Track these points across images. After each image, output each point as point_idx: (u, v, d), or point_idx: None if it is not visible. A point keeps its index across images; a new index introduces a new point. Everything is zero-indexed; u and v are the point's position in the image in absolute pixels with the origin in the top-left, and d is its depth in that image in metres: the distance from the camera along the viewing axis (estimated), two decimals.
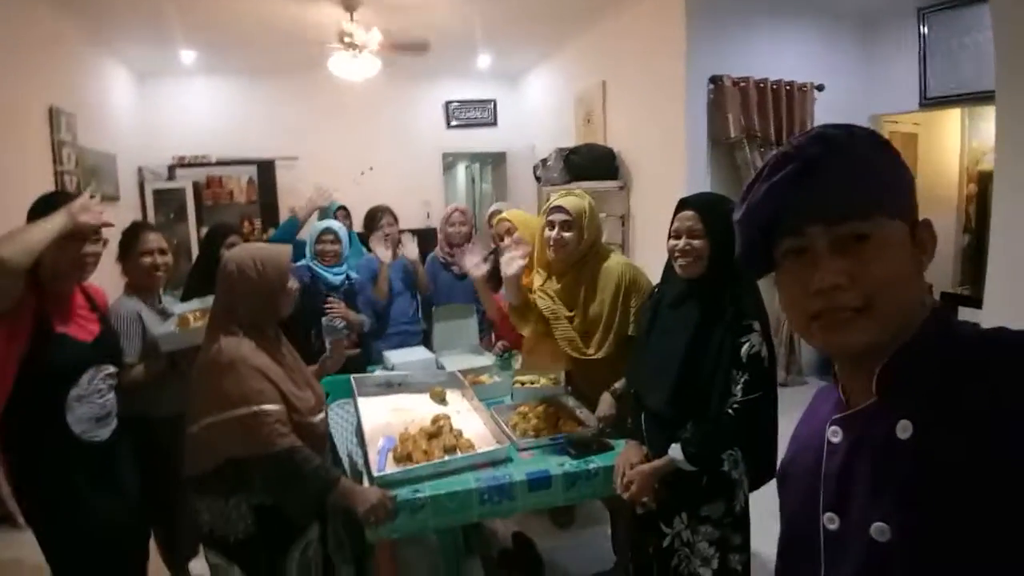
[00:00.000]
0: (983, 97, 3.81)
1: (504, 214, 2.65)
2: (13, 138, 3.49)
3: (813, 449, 0.74)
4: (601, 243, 2.21)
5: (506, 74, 6.96)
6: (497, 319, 2.66)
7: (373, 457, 1.86)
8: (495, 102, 7.10)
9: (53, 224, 1.58)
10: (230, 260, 1.71)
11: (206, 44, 5.17)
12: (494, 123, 7.13)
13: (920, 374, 0.65)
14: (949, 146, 5.41)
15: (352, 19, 4.20)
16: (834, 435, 0.72)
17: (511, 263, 2.13)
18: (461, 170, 9.39)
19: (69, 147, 4.05)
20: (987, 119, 4.79)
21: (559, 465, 1.84)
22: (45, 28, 3.94)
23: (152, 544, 2.12)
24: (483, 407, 2.18)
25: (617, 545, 2.44)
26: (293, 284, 1.78)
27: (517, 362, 2.72)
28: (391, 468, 1.80)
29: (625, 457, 1.76)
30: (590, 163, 4.78)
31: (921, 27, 4.33)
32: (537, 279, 2.31)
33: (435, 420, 2.04)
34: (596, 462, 1.86)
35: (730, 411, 1.57)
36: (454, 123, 6.98)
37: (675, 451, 1.60)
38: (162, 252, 2.19)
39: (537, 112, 6.73)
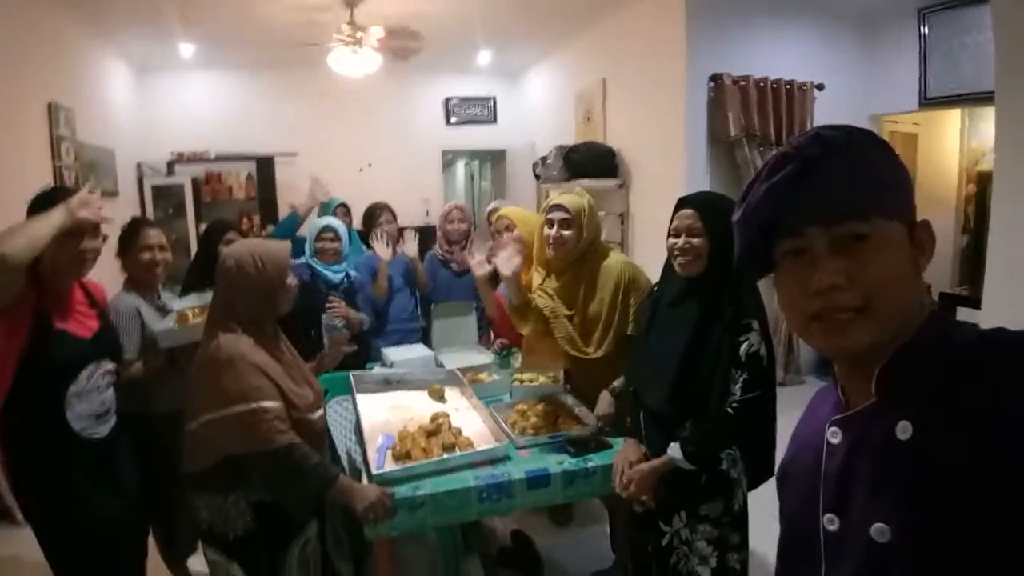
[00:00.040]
0: (983, 97, 3.81)
1: (503, 211, 2.65)
2: (12, 133, 3.48)
3: (813, 450, 0.75)
4: (600, 241, 2.22)
5: (506, 71, 6.95)
6: (497, 317, 2.66)
7: (372, 455, 1.86)
8: (495, 99, 7.09)
9: (52, 220, 1.58)
10: (229, 256, 1.70)
11: (205, 38, 5.15)
12: (494, 120, 7.12)
13: (919, 375, 0.65)
14: (948, 146, 5.42)
15: (352, 15, 4.19)
16: (834, 436, 0.72)
17: (507, 263, 2.13)
18: (460, 167, 9.38)
19: (68, 142, 4.04)
20: (987, 120, 4.80)
21: (558, 463, 1.84)
22: (44, 23, 3.92)
23: (151, 541, 2.12)
24: (482, 405, 2.18)
25: (616, 543, 2.45)
26: (292, 281, 1.78)
27: (516, 360, 2.72)
28: (390, 466, 1.80)
29: (624, 456, 1.76)
30: (590, 161, 4.78)
31: (921, 27, 4.33)
32: (536, 278, 2.31)
33: (434, 418, 2.04)
34: (595, 460, 1.86)
35: (729, 410, 1.57)
36: (454, 120, 6.97)
37: (674, 450, 1.60)
38: (162, 248, 2.18)
39: (537, 110, 6.72)
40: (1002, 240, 2.32)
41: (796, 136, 0.72)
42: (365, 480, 1.75)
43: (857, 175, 0.66)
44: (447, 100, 6.92)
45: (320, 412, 1.83)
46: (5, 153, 3.35)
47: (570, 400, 2.20)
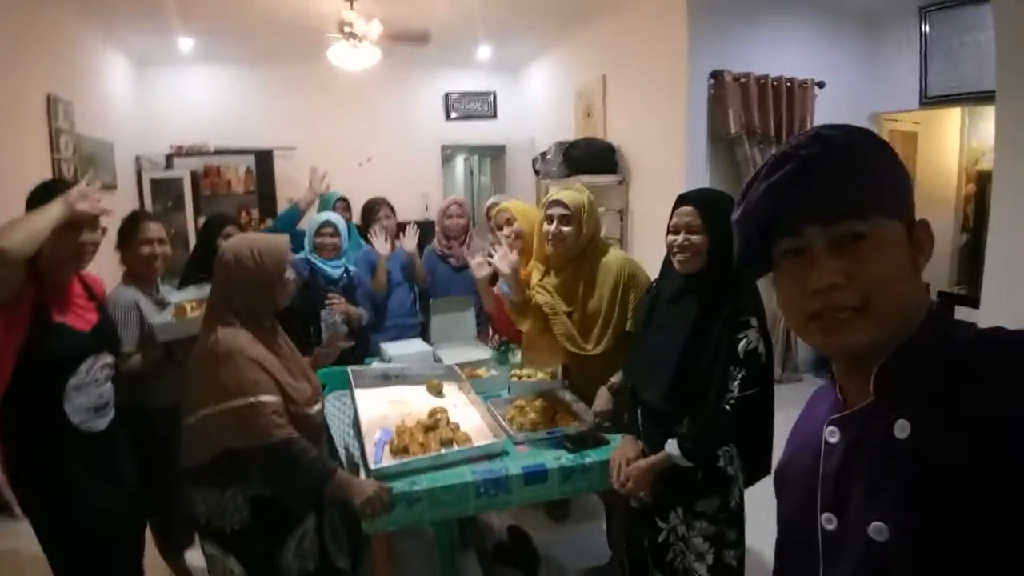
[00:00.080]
0: (983, 97, 3.81)
1: (504, 204, 2.64)
2: (11, 126, 3.47)
3: (811, 450, 0.75)
4: (600, 238, 2.22)
5: (506, 66, 6.93)
6: (495, 313, 2.66)
7: (370, 449, 1.86)
8: (495, 94, 7.07)
9: (51, 213, 1.57)
10: (227, 250, 1.70)
11: (205, 32, 5.13)
12: (494, 115, 7.10)
13: (918, 374, 0.65)
14: (948, 145, 5.41)
15: (352, 8, 4.18)
16: (831, 435, 0.72)
17: (504, 260, 2.14)
18: (460, 162, 9.36)
19: (67, 135, 4.04)
20: (987, 119, 4.79)
21: (555, 459, 1.85)
22: (44, 16, 3.91)
23: (148, 534, 2.13)
24: (480, 400, 2.19)
25: (612, 539, 2.45)
26: (290, 275, 1.78)
27: (514, 356, 2.72)
28: (388, 460, 1.80)
29: (621, 452, 1.76)
30: (589, 157, 4.77)
31: (922, 26, 4.32)
32: (535, 274, 2.31)
33: (432, 413, 2.04)
34: (592, 456, 1.86)
35: (727, 407, 1.57)
36: (453, 115, 6.95)
37: (672, 447, 1.60)
38: (161, 242, 2.18)
39: (537, 105, 6.71)
40: (1001, 239, 2.33)
41: (796, 135, 0.72)
42: (363, 474, 1.75)
43: (856, 174, 0.66)
44: (447, 95, 6.91)
45: (318, 406, 1.84)
46: (4, 146, 3.34)
47: (568, 396, 2.20)
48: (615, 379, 2.03)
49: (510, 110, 7.09)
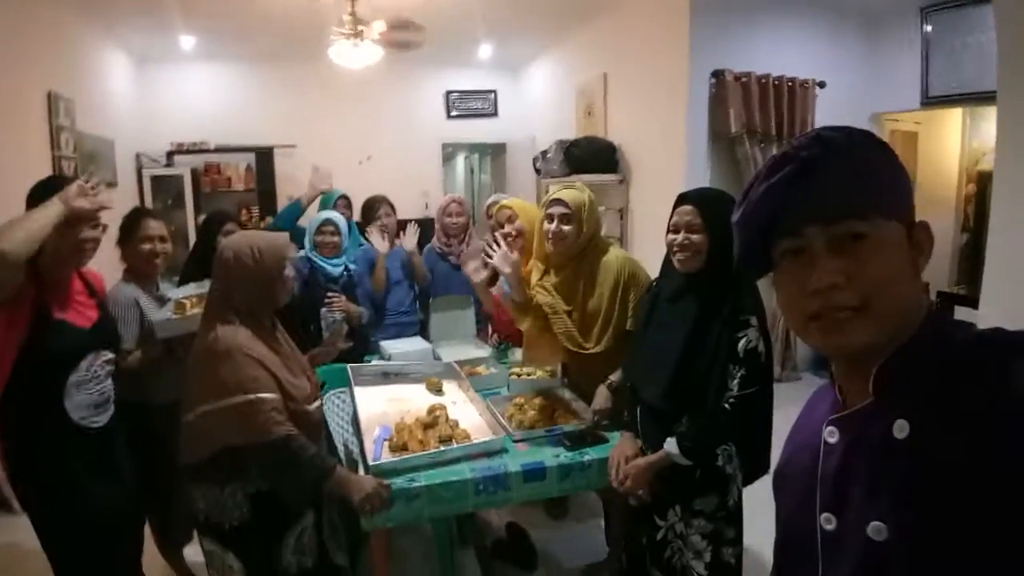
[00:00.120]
0: (984, 97, 3.80)
1: (505, 202, 2.64)
2: (11, 123, 3.47)
3: (810, 450, 0.75)
4: (600, 237, 2.22)
5: (507, 65, 6.93)
6: (494, 314, 2.66)
7: (369, 446, 1.86)
8: (496, 93, 7.07)
9: (50, 212, 1.57)
10: (227, 247, 1.70)
11: (206, 30, 5.13)
12: (494, 114, 7.10)
13: (917, 374, 0.65)
14: (949, 146, 5.41)
15: (353, 7, 4.17)
16: (831, 435, 0.72)
17: (504, 260, 2.14)
18: (460, 161, 9.35)
19: (67, 132, 4.04)
20: (988, 119, 4.79)
21: (554, 456, 1.85)
22: (44, 13, 3.91)
23: (147, 530, 2.13)
24: (479, 398, 2.19)
25: (610, 536, 2.45)
26: (290, 272, 1.78)
27: (513, 354, 2.72)
28: (387, 457, 1.81)
29: (620, 450, 1.76)
30: (590, 156, 4.77)
31: (924, 26, 4.32)
32: (535, 273, 2.31)
33: (431, 410, 2.04)
34: (590, 454, 1.87)
35: (726, 406, 1.58)
36: (454, 113, 6.96)
37: (671, 445, 1.61)
38: (162, 240, 2.18)
39: (538, 104, 6.71)
40: (1001, 240, 2.33)
41: (796, 137, 0.72)
42: (362, 471, 1.76)
43: (856, 176, 0.66)
44: (448, 93, 6.90)
45: (317, 403, 1.84)
46: (4, 143, 3.34)
47: (567, 394, 2.21)
48: (614, 377, 2.03)
49: (511, 108, 7.09)
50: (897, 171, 0.69)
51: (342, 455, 1.99)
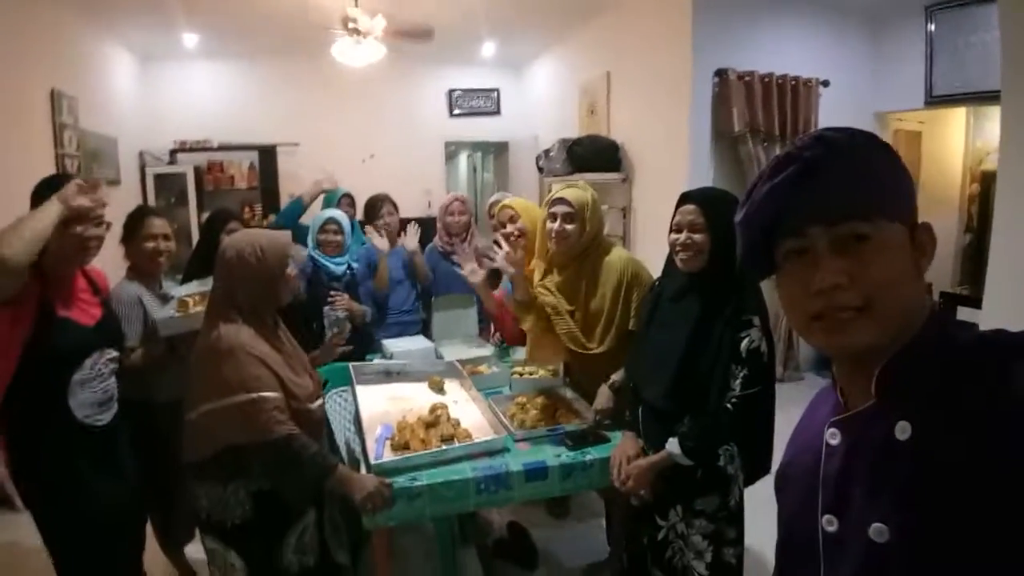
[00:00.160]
0: (988, 97, 3.79)
1: (507, 202, 2.64)
2: (15, 121, 3.48)
3: (811, 451, 0.75)
4: (603, 236, 2.21)
5: (510, 63, 6.93)
6: (496, 314, 2.66)
7: (371, 445, 1.86)
8: (499, 91, 7.07)
9: (49, 213, 1.56)
10: (229, 246, 1.70)
11: (209, 28, 5.14)
12: (497, 112, 7.10)
13: (919, 376, 0.65)
14: (953, 145, 5.40)
15: (356, 4, 4.18)
16: (832, 437, 0.72)
17: (508, 262, 2.14)
18: (463, 159, 9.36)
19: (71, 130, 4.05)
20: (992, 119, 4.78)
21: (555, 456, 1.85)
22: (47, 11, 3.92)
23: (148, 529, 2.14)
24: (481, 397, 2.19)
25: (612, 536, 2.46)
26: (292, 271, 1.78)
27: (515, 353, 2.72)
28: (388, 456, 1.81)
29: (622, 450, 1.76)
30: (593, 155, 4.76)
31: (928, 25, 4.31)
32: (537, 273, 2.30)
33: (433, 409, 2.04)
34: (592, 454, 1.87)
35: (728, 406, 1.57)
36: (457, 111, 6.96)
37: (672, 445, 1.61)
38: (166, 238, 2.19)
39: (540, 102, 6.71)
40: (1004, 240, 2.32)
41: (799, 138, 0.72)
42: (364, 470, 1.76)
43: (859, 177, 0.66)
44: (450, 91, 6.91)
45: (319, 402, 1.84)
46: (8, 141, 3.35)
47: (569, 394, 2.21)
48: (616, 377, 2.03)
49: (514, 107, 7.08)
50: (900, 172, 0.69)
51: (344, 454, 1.99)
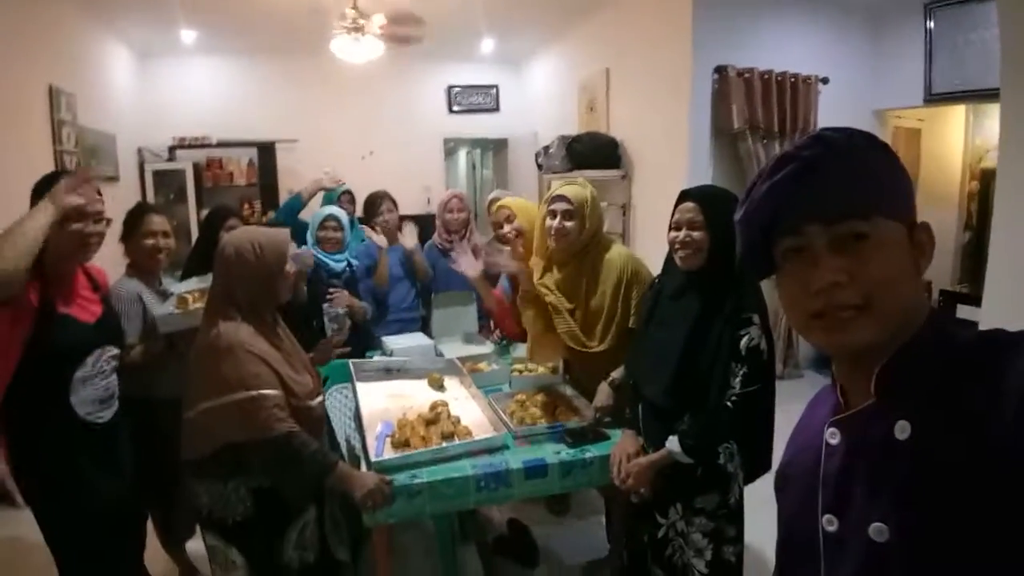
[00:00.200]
0: (988, 94, 3.79)
1: (503, 202, 2.64)
2: (13, 118, 3.47)
3: (811, 451, 0.75)
4: (603, 234, 2.21)
5: (509, 59, 6.91)
6: (495, 312, 2.66)
7: (371, 442, 1.87)
8: (498, 88, 7.06)
9: (41, 218, 1.53)
10: (228, 243, 1.70)
11: (207, 24, 5.12)
12: (496, 109, 7.09)
13: (919, 375, 0.66)
14: (952, 143, 5.40)
15: (355, 1, 4.16)
16: (832, 437, 0.72)
17: (512, 263, 2.15)
18: (462, 156, 9.35)
19: (69, 127, 4.04)
20: (991, 116, 4.78)
21: (555, 453, 1.85)
22: (46, 7, 3.90)
23: (149, 525, 2.14)
24: (481, 394, 2.19)
25: (612, 534, 2.46)
26: (291, 268, 1.78)
27: (515, 350, 2.72)
28: (389, 453, 1.81)
29: (622, 448, 1.77)
30: (592, 151, 4.76)
31: (927, 22, 4.30)
32: (535, 272, 2.30)
33: (433, 407, 2.05)
34: (592, 451, 1.87)
35: (728, 403, 1.58)
36: (456, 108, 6.94)
37: (672, 443, 1.61)
38: (165, 235, 2.18)
39: (540, 99, 6.70)
40: (1004, 238, 2.32)
41: (798, 138, 0.73)
42: (364, 467, 1.76)
43: (858, 176, 0.67)
44: (450, 88, 6.89)
45: (319, 399, 1.84)
46: (6, 138, 3.34)
47: (569, 391, 2.21)
48: (616, 374, 2.03)
49: (513, 104, 7.07)
50: (898, 172, 0.70)
51: (344, 451, 1.99)
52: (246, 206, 5.92)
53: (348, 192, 3.72)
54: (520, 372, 2.37)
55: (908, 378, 0.66)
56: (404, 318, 3.18)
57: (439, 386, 2.36)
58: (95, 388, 1.75)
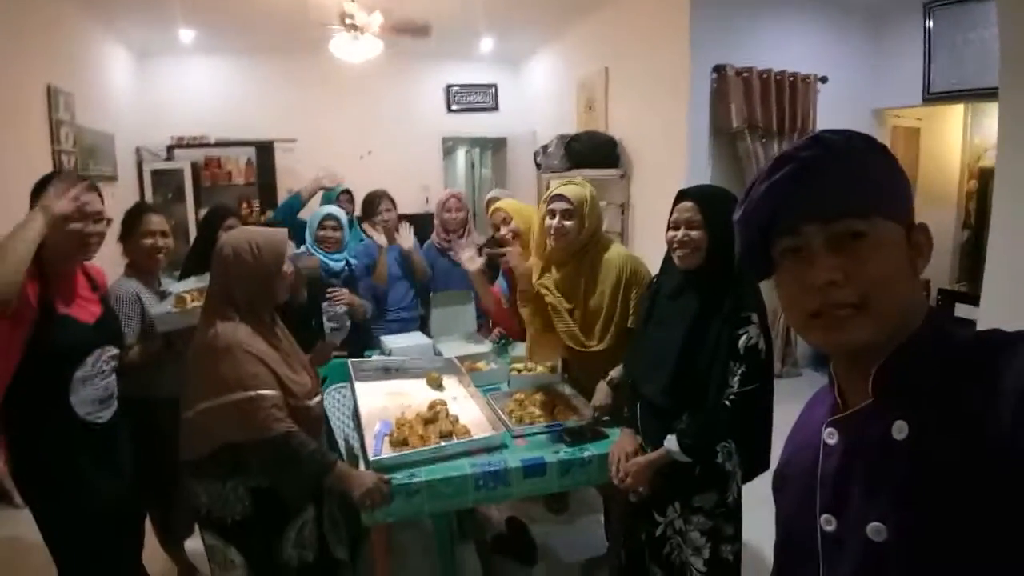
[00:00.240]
0: (986, 93, 3.80)
1: (499, 204, 2.65)
2: (11, 117, 3.47)
3: (809, 451, 0.75)
4: (602, 233, 2.21)
5: (508, 58, 6.91)
6: (492, 310, 2.66)
7: (369, 441, 1.87)
8: (496, 87, 7.06)
9: (32, 230, 1.52)
10: (226, 244, 1.70)
11: (206, 23, 5.12)
12: (495, 108, 7.09)
13: (916, 375, 0.66)
14: (951, 142, 5.40)
15: (354, 0, 4.16)
16: (830, 437, 0.72)
17: (518, 260, 2.16)
18: (461, 155, 9.34)
19: (67, 126, 4.03)
20: (990, 116, 4.78)
21: (554, 452, 1.85)
22: (44, 6, 3.90)
23: (148, 525, 2.14)
24: (479, 393, 2.19)
25: (610, 532, 2.46)
26: (288, 268, 1.77)
27: (514, 349, 2.72)
28: (387, 452, 1.81)
29: (620, 447, 1.77)
30: (591, 150, 4.75)
31: (926, 21, 4.31)
32: (534, 272, 2.30)
33: (432, 406, 2.04)
34: (590, 450, 1.87)
35: (726, 402, 1.58)
36: (455, 107, 6.94)
37: (671, 443, 1.61)
38: (164, 235, 2.18)
39: (538, 98, 6.69)
40: (1002, 237, 2.32)
41: (797, 138, 0.73)
42: (362, 466, 1.76)
43: (856, 177, 0.67)
44: (448, 87, 6.89)
45: (317, 399, 1.84)
46: (4, 137, 3.33)
47: (567, 390, 2.21)
48: (615, 373, 2.03)
49: (512, 103, 7.07)
50: (897, 174, 0.70)
51: (343, 450, 1.99)
52: (244, 205, 5.92)
53: (347, 191, 3.72)
54: (519, 371, 2.37)
55: (906, 378, 0.66)
56: (403, 317, 3.18)
57: (438, 385, 2.37)
58: (95, 388, 1.75)
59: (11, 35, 3.48)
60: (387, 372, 2.47)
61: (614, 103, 5.07)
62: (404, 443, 1.84)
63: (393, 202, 3.42)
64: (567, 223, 2.07)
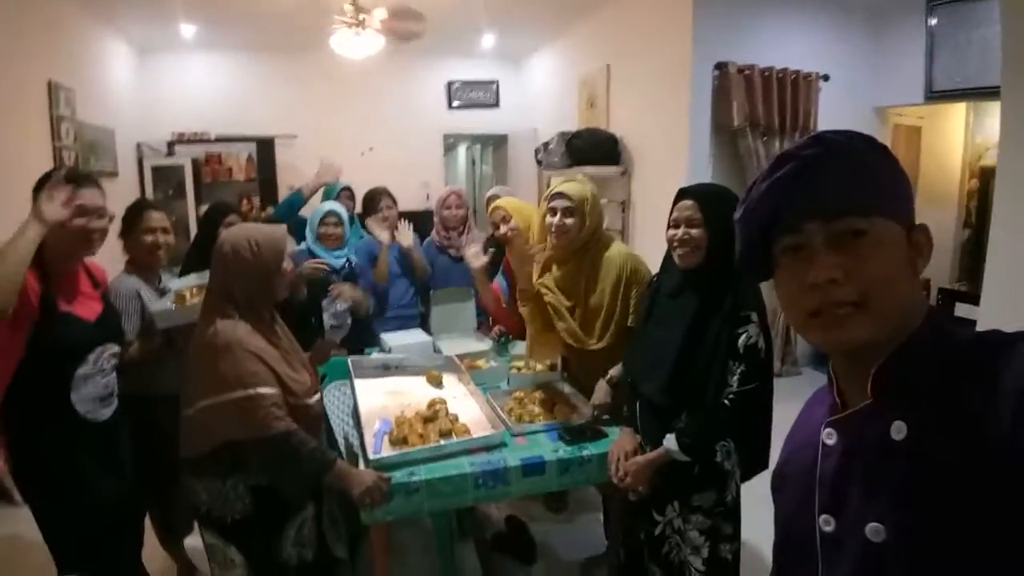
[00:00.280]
0: (988, 92, 3.79)
1: (498, 202, 2.64)
2: (12, 113, 3.46)
3: (808, 452, 0.75)
4: (603, 231, 2.20)
5: (509, 55, 6.90)
6: (493, 308, 2.66)
7: (369, 440, 1.87)
8: (498, 83, 7.04)
9: (27, 239, 1.52)
10: (225, 241, 1.69)
11: (207, 19, 5.10)
12: (496, 105, 7.07)
13: (915, 375, 0.66)
14: (952, 140, 5.39)
15: None
16: (829, 437, 0.72)
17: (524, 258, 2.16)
18: (462, 152, 9.34)
19: (68, 122, 4.03)
20: (991, 114, 4.78)
21: (553, 451, 1.86)
22: (45, 2, 3.89)
23: (147, 523, 2.14)
24: (479, 392, 2.19)
25: (609, 531, 2.46)
26: (288, 266, 1.77)
27: (514, 347, 2.72)
28: (387, 451, 1.81)
29: (620, 445, 1.77)
30: (592, 148, 4.75)
31: (929, 20, 4.29)
32: (535, 271, 2.30)
33: (431, 404, 2.05)
34: (590, 449, 1.87)
35: (725, 402, 1.58)
36: (456, 104, 6.93)
37: (670, 442, 1.61)
38: (164, 231, 2.18)
39: (540, 95, 6.68)
40: (1003, 236, 2.31)
41: (799, 136, 0.73)
42: (362, 465, 1.76)
43: (856, 176, 0.67)
44: (449, 83, 6.88)
45: (317, 397, 1.84)
46: (4, 133, 3.33)
47: (567, 389, 2.21)
48: (614, 372, 2.03)
49: (513, 99, 7.06)
50: (898, 175, 0.70)
51: (342, 448, 1.99)
52: (245, 202, 5.91)
53: (348, 188, 3.70)
54: (518, 369, 2.37)
55: (905, 378, 0.66)
56: (403, 315, 3.17)
57: (437, 383, 2.37)
58: (96, 386, 1.75)
59: (12, 31, 3.48)
60: (387, 370, 2.46)
61: (615, 100, 5.06)
62: (403, 441, 1.84)
63: (394, 199, 3.42)
64: (568, 221, 2.07)
